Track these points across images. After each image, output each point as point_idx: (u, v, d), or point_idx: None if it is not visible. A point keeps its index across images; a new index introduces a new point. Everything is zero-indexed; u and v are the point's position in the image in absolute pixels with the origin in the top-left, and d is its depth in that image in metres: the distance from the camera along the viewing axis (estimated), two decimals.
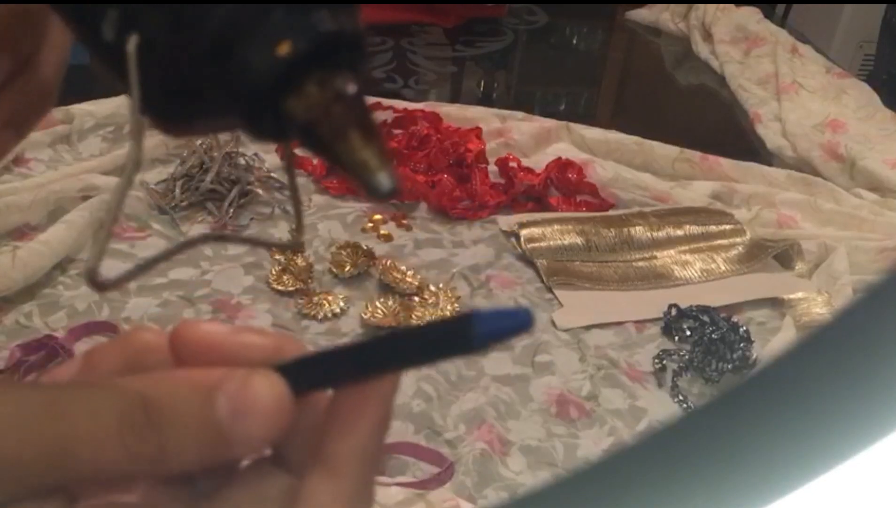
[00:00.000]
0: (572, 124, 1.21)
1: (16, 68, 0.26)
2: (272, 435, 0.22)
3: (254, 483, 0.24)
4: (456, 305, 0.87)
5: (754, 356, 0.82)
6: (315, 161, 1.09)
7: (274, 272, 0.90)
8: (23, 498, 0.20)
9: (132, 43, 0.21)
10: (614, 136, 1.19)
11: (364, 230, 1.00)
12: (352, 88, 0.21)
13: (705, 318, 0.87)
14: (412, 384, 0.77)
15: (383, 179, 0.20)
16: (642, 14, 1.74)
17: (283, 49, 0.21)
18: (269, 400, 0.21)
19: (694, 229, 1.02)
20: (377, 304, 0.85)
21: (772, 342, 0.86)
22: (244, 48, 0.21)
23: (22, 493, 0.20)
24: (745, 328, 0.85)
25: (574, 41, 1.77)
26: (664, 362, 0.83)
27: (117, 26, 0.22)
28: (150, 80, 0.22)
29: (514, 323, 0.22)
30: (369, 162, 0.20)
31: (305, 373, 0.23)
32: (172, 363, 0.24)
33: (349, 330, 0.84)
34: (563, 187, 1.09)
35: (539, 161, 1.12)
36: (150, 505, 0.23)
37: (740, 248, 1.00)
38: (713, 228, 1.02)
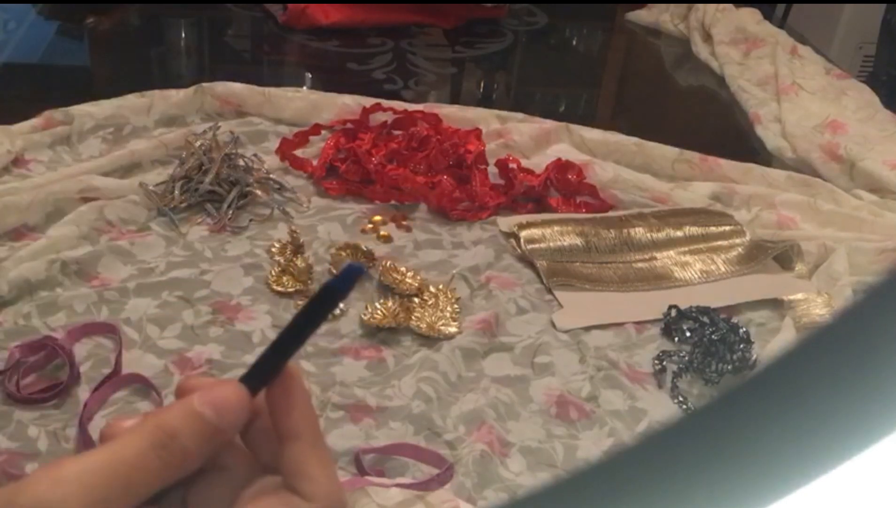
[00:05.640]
0: (572, 125, 1.21)
1: None
2: (242, 420, 0.32)
3: (215, 478, 0.33)
4: (456, 306, 0.87)
5: (754, 357, 0.82)
6: (315, 162, 1.09)
7: (273, 274, 0.90)
8: None
9: None
10: (614, 137, 1.19)
11: (364, 231, 0.99)
12: None
13: (705, 319, 0.87)
14: (412, 385, 0.77)
15: None
16: (642, 15, 1.74)
17: None
18: (233, 395, 0.32)
19: (694, 231, 1.02)
20: (377, 305, 0.85)
21: (771, 343, 0.86)
22: None
23: None
24: (744, 329, 0.85)
25: (574, 42, 1.77)
26: (664, 363, 0.83)
27: None
28: None
29: (350, 273, 0.32)
30: None
31: (251, 378, 0.33)
32: None
33: (349, 331, 0.84)
34: (563, 188, 1.09)
35: (539, 162, 1.12)
36: None
37: (740, 249, 1.00)
38: (713, 229, 1.02)
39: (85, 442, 0.68)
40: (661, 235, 1.01)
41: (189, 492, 0.32)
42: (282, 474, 0.32)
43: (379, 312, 0.85)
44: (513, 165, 1.09)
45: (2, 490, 0.28)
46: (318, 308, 0.33)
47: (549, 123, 1.22)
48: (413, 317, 0.85)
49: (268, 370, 0.33)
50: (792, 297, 0.93)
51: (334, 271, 0.91)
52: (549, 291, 0.93)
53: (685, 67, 1.59)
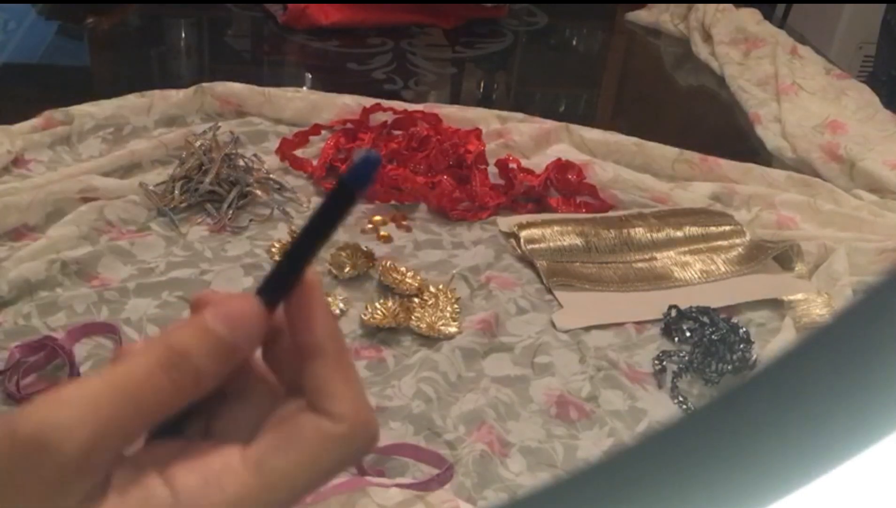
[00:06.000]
0: (572, 125, 1.21)
1: None
2: (258, 336, 0.30)
3: (237, 405, 0.31)
4: (456, 306, 0.87)
5: (754, 358, 0.82)
6: (315, 162, 1.09)
7: None
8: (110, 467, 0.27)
9: None
10: (614, 137, 1.19)
11: (364, 232, 0.99)
12: None
13: (705, 319, 0.87)
14: (412, 385, 0.77)
15: None
16: (642, 15, 1.74)
17: None
18: (247, 309, 0.29)
19: (694, 231, 1.02)
20: (377, 305, 0.85)
21: (771, 343, 0.86)
22: None
23: (112, 456, 0.27)
24: (744, 329, 0.85)
25: (574, 42, 1.77)
26: (664, 363, 0.83)
27: None
28: None
29: (366, 164, 0.29)
30: None
31: (267, 291, 0.30)
32: None
33: (349, 331, 0.84)
34: (563, 188, 1.09)
35: (539, 162, 1.12)
36: (168, 455, 0.29)
37: (740, 249, 1.00)
38: (713, 229, 1.02)
39: None
40: (661, 235, 1.01)
41: (211, 421, 0.31)
42: (305, 395, 0.30)
43: (379, 312, 0.84)
44: (513, 165, 1.09)
45: (3, 417, 0.27)
46: (335, 207, 0.30)
47: (549, 123, 1.22)
48: (413, 317, 0.84)
49: (284, 281, 0.30)
50: (792, 297, 0.93)
51: (334, 272, 0.91)
52: (549, 291, 0.93)
53: (685, 66, 1.59)
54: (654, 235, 1.01)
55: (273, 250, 0.94)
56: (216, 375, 0.29)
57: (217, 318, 0.29)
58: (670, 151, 1.16)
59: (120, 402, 0.26)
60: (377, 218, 1.01)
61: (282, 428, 0.29)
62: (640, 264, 0.98)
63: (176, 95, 1.18)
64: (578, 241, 0.99)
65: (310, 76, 1.49)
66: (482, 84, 1.53)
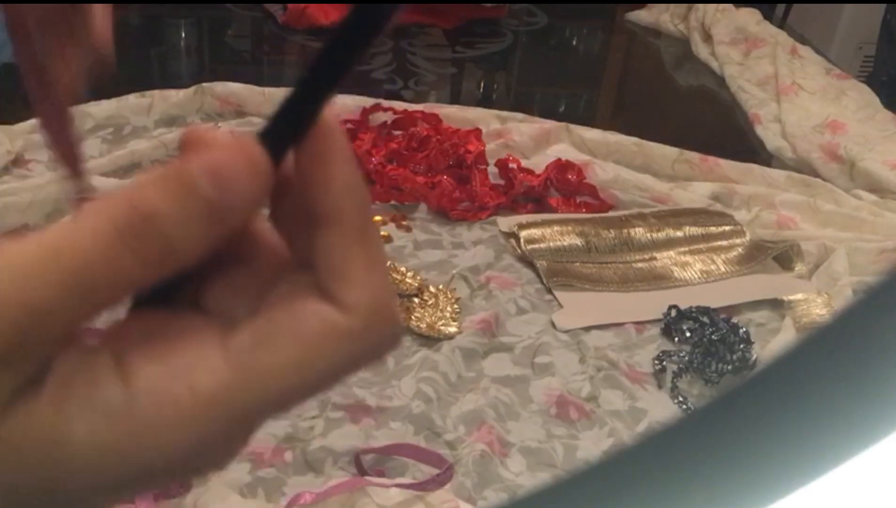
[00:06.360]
0: (572, 126, 1.21)
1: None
2: (259, 195, 0.22)
3: (234, 272, 0.24)
4: (456, 306, 0.87)
5: (754, 358, 0.82)
6: None
7: None
8: (55, 346, 0.21)
9: None
10: (614, 137, 1.19)
11: None
12: None
13: (705, 319, 0.87)
14: (412, 385, 0.77)
15: None
16: (642, 15, 1.74)
17: None
18: (245, 159, 0.21)
19: (694, 231, 1.02)
20: None
21: (771, 343, 0.86)
22: None
23: (53, 339, 0.21)
24: (744, 329, 0.85)
25: (574, 42, 1.77)
26: (664, 363, 0.83)
27: None
28: None
29: None
30: None
31: (273, 135, 0.23)
32: None
33: None
34: (563, 189, 1.09)
35: (539, 162, 1.12)
36: (140, 334, 0.23)
37: (740, 249, 1.00)
38: (713, 229, 1.02)
39: None
40: (661, 235, 1.01)
41: (202, 290, 0.24)
42: (315, 272, 0.23)
43: None
44: (513, 165, 1.09)
45: None
46: (363, 25, 0.22)
47: (549, 123, 1.22)
48: (413, 317, 0.85)
49: (296, 123, 0.23)
50: (792, 297, 0.93)
51: None
52: (549, 291, 0.93)
53: (685, 67, 1.59)
54: (654, 235, 1.01)
55: None
56: (198, 245, 0.21)
57: (203, 170, 0.21)
58: (670, 151, 1.16)
59: (59, 279, 0.20)
60: (377, 218, 1.01)
61: (278, 314, 0.22)
62: (640, 264, 0.98)
63: (176, 95, 1.18)
64: (578, 241, 0.99)
65: None
66: (482, 84, 1.53)
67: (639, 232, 1.01)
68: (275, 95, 1.20)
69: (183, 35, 1.59)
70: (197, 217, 0.21)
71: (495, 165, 1.10)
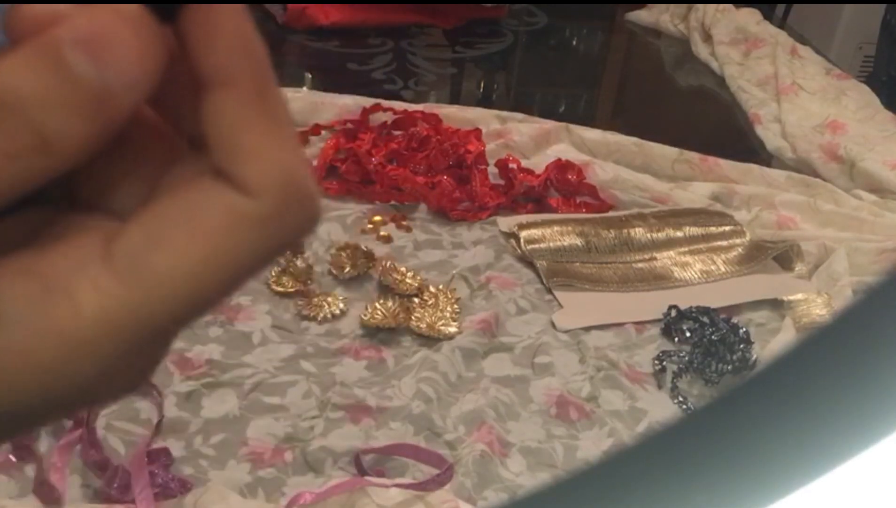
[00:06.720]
0: (572, 126, 1.21)
1: None
2: (147, 72, 0.17)
3: (117, 161, 0.20)
4: (456, 306, 0.87)
5: (754, 358, 0.82)
6: (315, 162, 1.09)
7: (273, 274, 0.89)
8: None
9: None
10: (614, 137, 1.19)
11: (364, 232, 0.99)
12: None
13: (705, 319, 0.87)
14: (412, 385, 0.77)
15: None
16: (642, 15, 1.73)
17: None
18: (125, 26, 0.17)
19: (694, 231, 1.02)
20: (377, 305, 0.85)
21: (771, 343, 0.86)
22: None
23: None
24: (744, 329, 0.85)
25: (574, 43, 1.77)
26: (664, 363, 0.83)
27: None
28: None
29: None
30: None
31: None
32: None
33: (349, 331, 0.84)
34: (563, 189, 1.09)
35: (539, 162, 1.12)
36: (9, 243, 0.18)
37: (740, 249, 1.00)
38: (713, 229, 1.02)
39: (91, 442, 0.68)
40: (661, 235, 1.01)
41: (80, 180, 0.19)
42: (210, 152, 0.18)
43: (379, 312, 0.85)
44: (513, 166, 1.10)
45: None
46: None
47: (549, 124, 1.22)
48: (413, 317, 0.85)
49: None
50: (792, 297, 0.93)
51: (334, 272, 0.91)
52: (549, 291, 0.93)
53: (685, 67, 1.59)
54: (654, 235, 1.01)
55: None
56: (78, 139, 0.17)
57: (76, 41, 0.16)
58: (670, 151, 1.16)
59: None
60: (377, 218, 1.01)
61: (170, 207, 0.18)
62: (639, 265, 0.98)
63: None
64: (578, 241, 0.99)
65: (310, 76, 1.49)
66: (482, 84, 1.53)
67: (639, 232, 1.01)
68: None
69: None
70: (75, 103, 0.16)
71: (495, 165, 1.10)
